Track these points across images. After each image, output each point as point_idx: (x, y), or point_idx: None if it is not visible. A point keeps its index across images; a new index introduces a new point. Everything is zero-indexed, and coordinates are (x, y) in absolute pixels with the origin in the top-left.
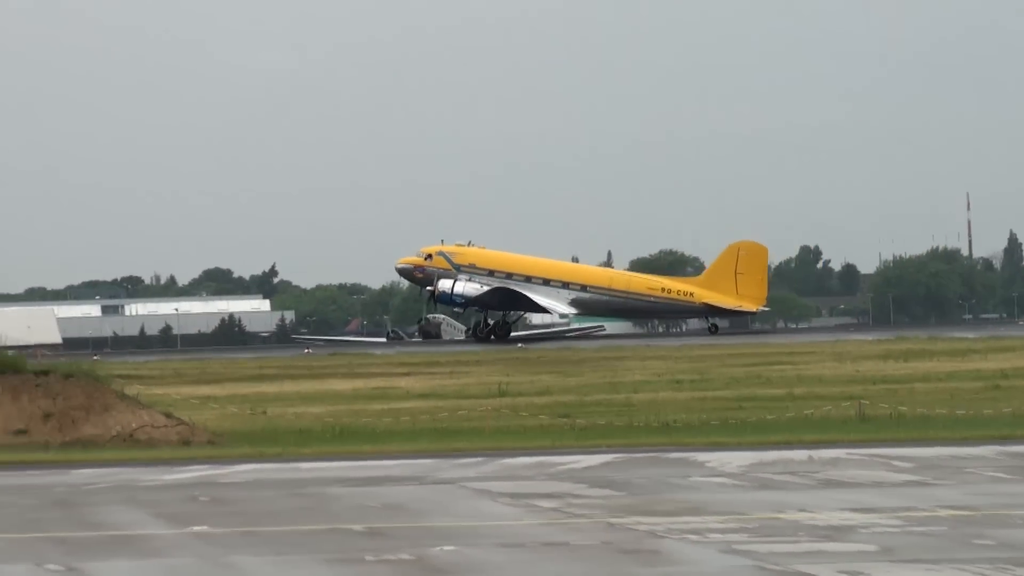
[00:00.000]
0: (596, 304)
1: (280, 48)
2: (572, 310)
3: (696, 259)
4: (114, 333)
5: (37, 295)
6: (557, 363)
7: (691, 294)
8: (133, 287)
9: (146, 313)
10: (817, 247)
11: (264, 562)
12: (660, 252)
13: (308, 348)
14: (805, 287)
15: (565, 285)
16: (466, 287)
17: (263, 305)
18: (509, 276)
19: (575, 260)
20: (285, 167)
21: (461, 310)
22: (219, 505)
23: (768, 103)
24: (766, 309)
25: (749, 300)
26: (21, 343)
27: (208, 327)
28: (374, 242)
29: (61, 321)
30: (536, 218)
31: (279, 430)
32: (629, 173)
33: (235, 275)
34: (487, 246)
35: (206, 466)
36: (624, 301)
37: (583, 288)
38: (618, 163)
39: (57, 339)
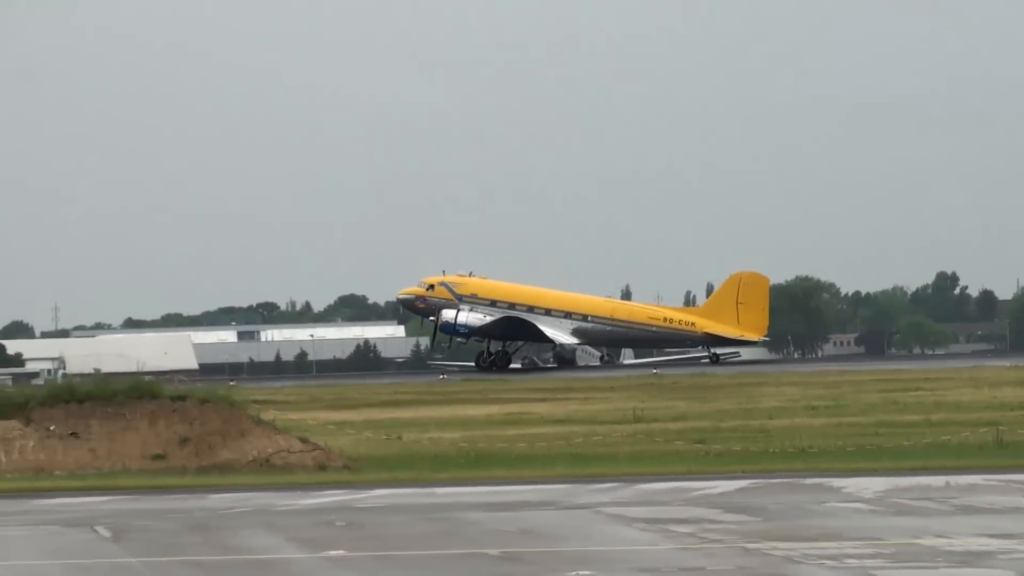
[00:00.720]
0: (598, 334)
1: (415, 83)
2: (575, 340)
3: (832, 284)
4: (250, 359)
5: (173, 321)
6: (692, 389)
7: (693, 324)
8: (269, 313)
9: (281, 339)
10: (954, 273)
11: None
12: (796, 278)
13: (443, 374)
14: (941, 313)
15: (567, 315)
16: (469, 317)
17: (398, 331)
18: (511, 306)
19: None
20: (419, 194)
21: (464, 340)
22: (355, 529)
23: (905, 128)
24: (766, 339)
25: (751, 330)
26: (158, 369)
27: (343, 353)
28: (506, 269)
29: (197, 347)
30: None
31: (414, 455)
32: (767, 194)
33: (370, 301)
34: (498, 277)
35: (342, 491)
36: (626, 331)
37: (584, 318)
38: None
39: (193, 365)
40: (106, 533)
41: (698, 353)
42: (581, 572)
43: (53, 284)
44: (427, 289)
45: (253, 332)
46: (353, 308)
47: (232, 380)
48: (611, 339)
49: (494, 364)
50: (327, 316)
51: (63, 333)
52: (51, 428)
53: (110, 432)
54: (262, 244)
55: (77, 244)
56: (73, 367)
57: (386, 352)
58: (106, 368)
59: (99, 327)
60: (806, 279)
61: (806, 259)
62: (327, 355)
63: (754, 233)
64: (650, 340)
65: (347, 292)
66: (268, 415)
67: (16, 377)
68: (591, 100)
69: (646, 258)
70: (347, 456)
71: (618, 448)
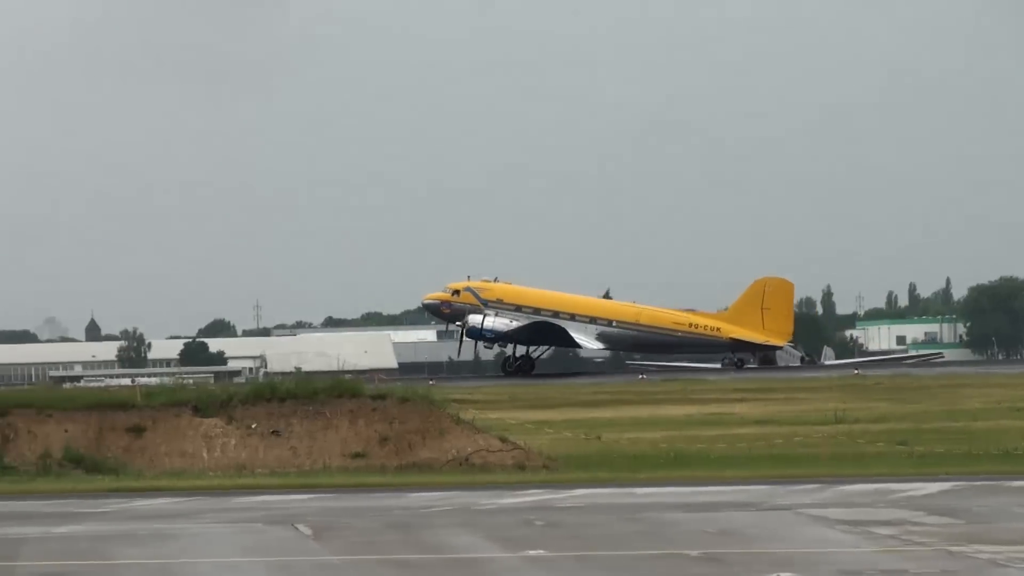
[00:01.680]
0: (623, 338)
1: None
2: (599, 345)
3: None
4: (449, 358)
5: (373, 320)
6: (894, 390)
7: (718, 329)
8: None
9: None
10: None
11: None
12: (1001, 279)
13: (642, 374)
14: None
15: (592, 320)
16: (496, 322)
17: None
18: (536, 312)
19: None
20: (640, 193)
21: (491, 346)
22: (554, 529)
23: None
24: (791, 344)
25: (776, 335)
26: (358, 367)
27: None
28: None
29: (397, 346)
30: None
31: (613, 455)
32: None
33: None
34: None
35: (541, 490)
36: (650, 336)
37: (609, 323)
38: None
39: (393, 364)
40: (307, 531)
41: (903, 355)
42: (782, 573)
43: (255, 283)
44: (452, 294)
45: (453, 331)
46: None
47: (431, 379)
48: (635, 344)
49: (520, 369)
50: None
51: (264, 332)
52: (253, 426)
53: (310, 430)
54: (461, 243)
55: (279, 244)
56: (274, 365)
57: (585, 352)
58: (307, 367)
59: (300, 325)
60: (1011, 279)
61: (1008, 261)
62: None
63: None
64: (675, 345)
65: None
66: (467, 414)
67: (218, 375)
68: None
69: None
70: (546, 455)
71: (819, 449)
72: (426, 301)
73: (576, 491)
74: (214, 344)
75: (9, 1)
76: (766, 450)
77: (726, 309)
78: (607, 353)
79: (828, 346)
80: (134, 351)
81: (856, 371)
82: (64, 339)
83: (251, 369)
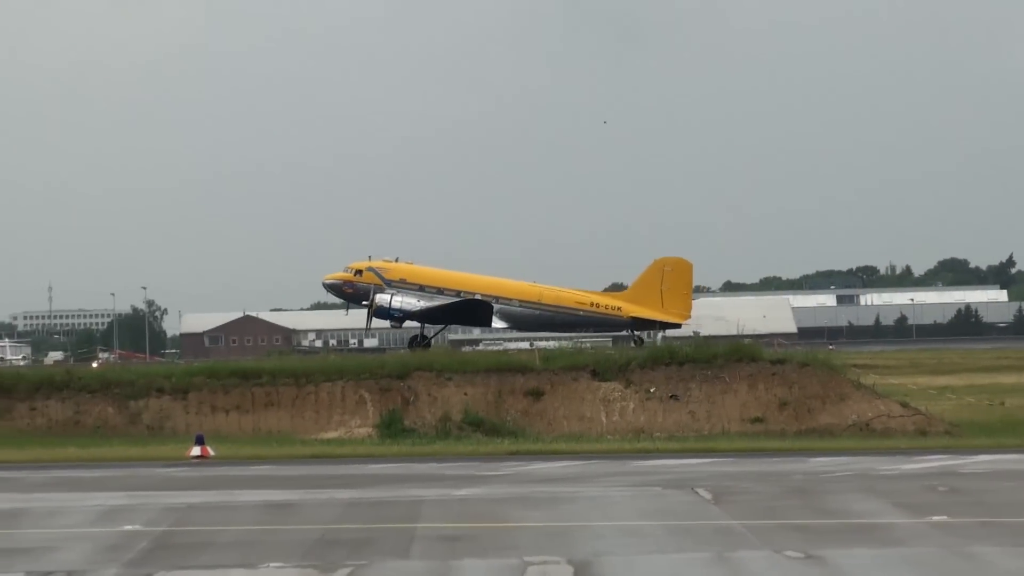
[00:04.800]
0: (526, 317)
1: None
2: (503, 324)
3: None
4: (848, 323)
5: (772, 285)
6: None
7: (619, 308)
8: (868, 277)
9: (881, 303)
10: None
11: (1004, 553)
12: None
13: None
14: None
15: (496, 299)
16: (404, 301)
17: (1000, 296)
18: (439, 291)
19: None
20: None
21: (399, 324)
22: (957, 495)
23: None
24: (690, 323)
25: (675, 314)
26: (757, 332)
27: (943, 318)
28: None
29: (796, 311)
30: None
31: (1018, 422)
32: None
33: (971, 265)
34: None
35: (943, 456)
36: (553, 315)
37: (511, 302)
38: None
39: (792, 328)
40: (707, 495)
41: None
42: None
43: (651, 247)
44: (355, 275)
45: (852, 296)
46: (954, 272)
47: (831, 344)
48: (539, 323)
49: (426, 347)
50: (927, 280)
51: None
52: (651, 390)
53: (709, 395)
54: (860, 208)
55: (683, 208)
56: (672, 330)
57: (988, 317)
58: (705, 331)
59: (697, 290)
60: None
61: None
62: (927, 320)
63: None
64: (577, 324)
65: (947, 256)
66: (868, 379)
67: (616, 339)
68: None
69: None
70: (948, 421)
71: None
72: (327, 281)
73: (979, 457)
74: None
75: None
76: None
77: (626, 289)
78: (512, 332)
79: None
80: None
81: None
82: None
83: (649, 333)
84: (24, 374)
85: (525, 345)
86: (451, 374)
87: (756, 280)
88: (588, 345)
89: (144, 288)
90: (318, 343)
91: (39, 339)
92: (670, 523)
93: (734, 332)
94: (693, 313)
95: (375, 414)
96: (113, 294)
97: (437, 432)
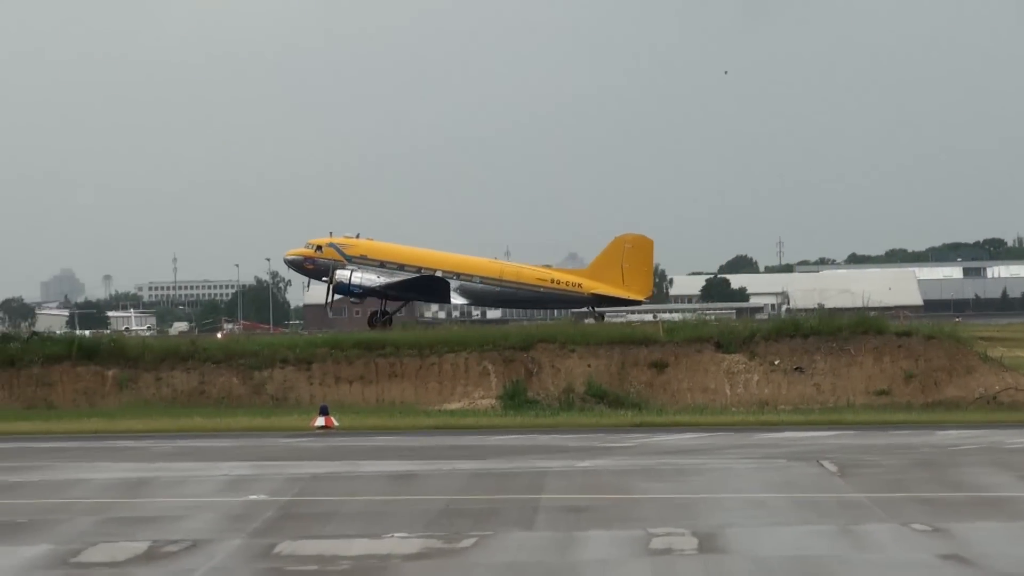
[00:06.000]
0: (486, 294)
1: None
2: (463, 300)
3: None
4: (975, 295)
5: (898, 257)
6: None
7: (579, 285)
8: (996, 249)
9: (1008, 275)
10: None
11: None
12: None
13: None
14: None
15: (456, 276)
16: (363, 277)
17: None
18: (400, 268)
19: None
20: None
21: (359, 300)
22: None
23: None
24: (650, 299)
25: (635, 291)
26: (882, 304)
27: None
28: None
29: (922, 283)
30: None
31: None
32: None
33: None
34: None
35: None
36: (514, 292)
37: (472, 279)
38: None
39: (918, 301)
40: (832, 468)
41: None
42: None
43: (777, 220)
44: (315, 251)
45: (979, 268)
46: None
47: (958, 317)
48: (499, 299)
49: (386, 324)
50: None
51: (787, 268)
52: (775, 362)
53: (834, 367)
54: (988, 179)
55: (799, 184)
56: (796, 302)
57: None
58: (829, 303)
59: (822, 262)
60: None
61: None
62: None
63: None
64: (538, 300)
65: None
66: (995, 352)
67: (740, 311)
68: None
69: None
70: None
71: None
72: (288, 257)
73: None
74: (736, 280)
75: None
76: None
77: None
78: (469, 308)
79: None
80: (656, 287)
81: None
82: None
83: (773, 305)
84: (149, 344)
85: (649, 317)
86: (574, 346)
87: (882, 252)
88: (712, 317)
89: (268, 259)
90: (441, 314)
91: (164, 310)
92: (795, 495)
93: (859, 304)
94: (818, 285)
95: (498, 385)
96: (237, 265)
97: (560, 403)
